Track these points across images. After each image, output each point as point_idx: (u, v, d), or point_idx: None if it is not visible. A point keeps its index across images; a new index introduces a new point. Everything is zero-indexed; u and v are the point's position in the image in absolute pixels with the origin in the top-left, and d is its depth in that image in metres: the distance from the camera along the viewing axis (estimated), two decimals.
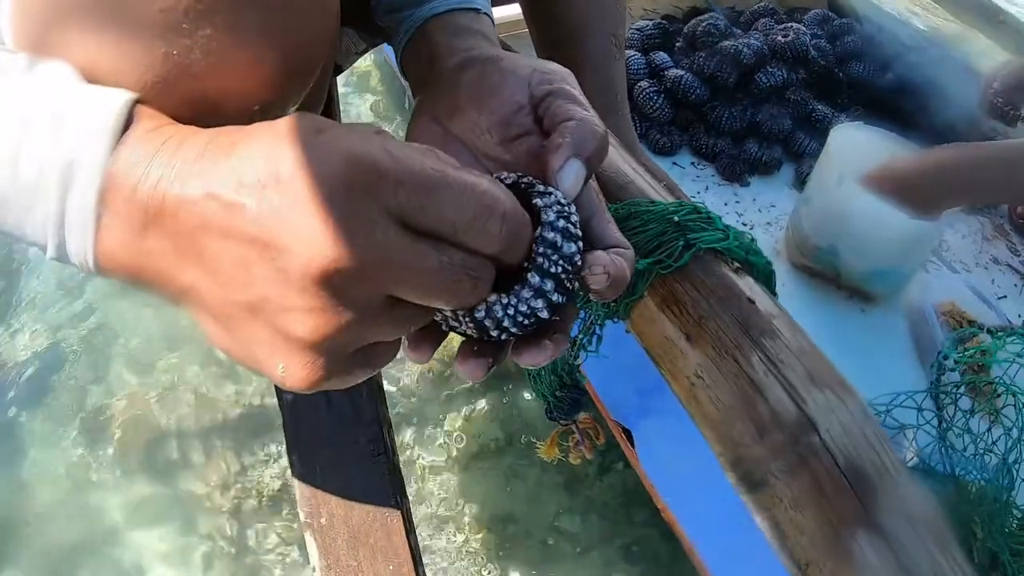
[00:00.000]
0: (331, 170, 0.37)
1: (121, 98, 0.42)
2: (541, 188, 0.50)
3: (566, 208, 0.49)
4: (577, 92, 0.57)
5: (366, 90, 2.38)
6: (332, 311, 0.39)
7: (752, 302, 0.64)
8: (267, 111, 0.51)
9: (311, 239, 0.37)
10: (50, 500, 1.44)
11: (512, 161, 0.57)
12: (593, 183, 0.56)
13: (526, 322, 0.47)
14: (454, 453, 1.52)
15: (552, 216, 0.47)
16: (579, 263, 0.48)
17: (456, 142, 0.59)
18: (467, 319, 0.46)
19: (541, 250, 0.46)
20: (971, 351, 0.83)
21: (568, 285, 0.47)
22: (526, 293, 0.46)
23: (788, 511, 0.58)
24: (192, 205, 0.39)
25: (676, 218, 0.67)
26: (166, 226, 0.40)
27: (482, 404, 1.59)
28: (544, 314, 0.47)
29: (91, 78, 0.45)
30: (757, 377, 0.60)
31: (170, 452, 1.51)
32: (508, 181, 0.51)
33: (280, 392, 1.09)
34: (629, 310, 0.69)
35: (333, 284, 0.38)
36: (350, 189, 0.37)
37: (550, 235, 0.46)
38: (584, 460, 1.20)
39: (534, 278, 0.46)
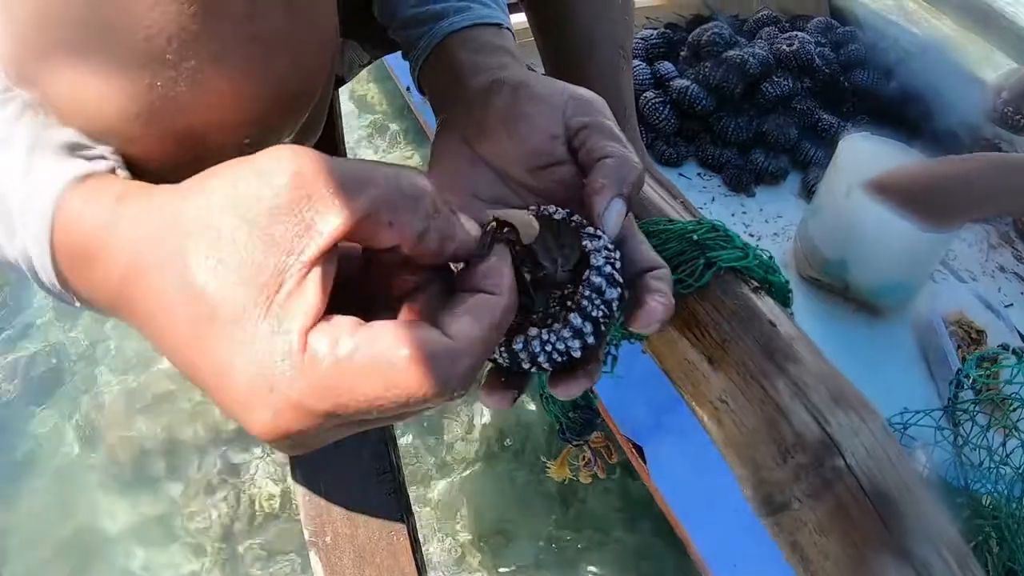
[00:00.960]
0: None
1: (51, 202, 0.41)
2: (591, 231, 0.50)
3: (613, 254, 0.49)
4: (613, 124, 0.56)
5: (365, 108, 2.38)
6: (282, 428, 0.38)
7: (773, 324, 0.64)
8: (258, 143, 0.50)
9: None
10: (42, 509, 1.44)
11: (540, 188, 0.57)
12: None
13: (560, 359, 0.47)
14: (454, 461, 1.52)
15: (600, 261, 0.48)
16: (617, 309, 0.48)
17: (483, 164, 0.58)
18: (502, 349, 0.47)
19: (587, 293, 0.47)
20: (991, 370, 0.83)
21: (604, 329, 0.48)
22: (566, 333, 0.46)
23: (812, 535, 0.57)
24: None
25: (695, 236, 0.67)
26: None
27: (482, 412, 1.59)
28: (578, 353, 0.47)
29: (77, 107, 0.44)
30: (783, 401, 0.59)
31: (165, 464, 1.51)
32: (558, 217, 0.52)
33: None
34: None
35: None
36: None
37: (596, 280, 0.47)
38: (594, 478, 1.19)
39: (576, 319, 0.46)
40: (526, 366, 0.47)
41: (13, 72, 0.45)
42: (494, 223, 0.46)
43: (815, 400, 0.59)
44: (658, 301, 0.50)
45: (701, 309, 0.65)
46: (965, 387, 0.87)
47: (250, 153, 0.41)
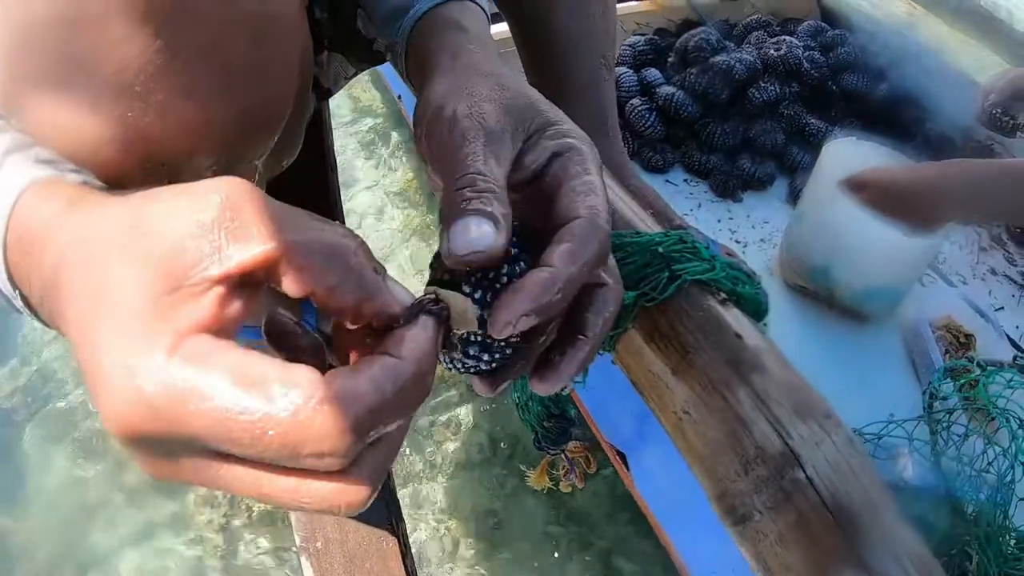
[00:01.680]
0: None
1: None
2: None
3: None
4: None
5: (365, 113, 2.39)
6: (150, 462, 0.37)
7: (739, 336, 0.64)
8: (228, 168, 0.51)
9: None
10: (42, 518, 1.44)
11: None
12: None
13: (487, 367, 0.49)
14: (444, 464, 1.52)
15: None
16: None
17: None
18: (447, 360, 0.48)
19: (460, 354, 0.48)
20: (963, 380, 0.83)
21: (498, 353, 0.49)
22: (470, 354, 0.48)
23: (774, 546, 0.57)
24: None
25: (661, 249, 0.67)
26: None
27: (467, 414, 1.59)
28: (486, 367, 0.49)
29: (54, 133, 0.45)
30: (743, 412, 0.60)
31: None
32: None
33: None
34: (615, 343, 0.69)
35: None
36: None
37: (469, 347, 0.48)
38: (574, 488, 1.20)
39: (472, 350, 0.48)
40: (471, 369, 0.49)
41: (1, 99, 0.46)
42: (432, 296, 0.44)
43: (777, 412, 0.60)
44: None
45: (665, 321, 0.65)
46: (938, 397, 0.87)
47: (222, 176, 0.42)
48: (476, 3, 0.68)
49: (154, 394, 0.33)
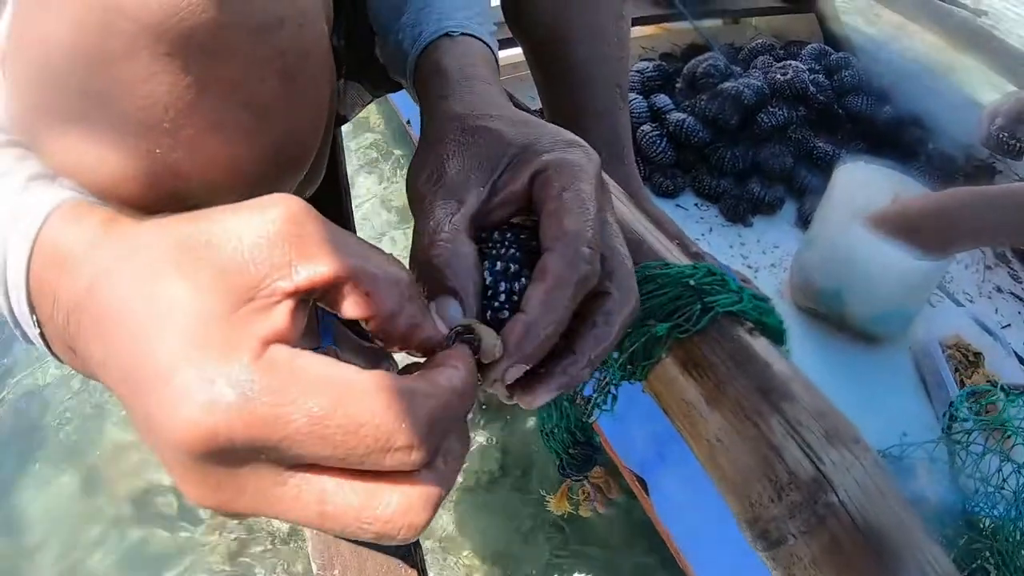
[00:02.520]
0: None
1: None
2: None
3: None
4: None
5: (366, 128, 2.40)
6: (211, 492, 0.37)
7: (769, 365, 0.66)
8: None
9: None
10: (45, 551, 1.44)
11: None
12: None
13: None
14: (458, 490, 1.52)
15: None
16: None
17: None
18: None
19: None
20: (985, 402, 0.85)
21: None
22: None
23: (808, 569, 0.59)
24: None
25: (692, 282, 0.69)
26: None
27: (480, 437, 1.60)
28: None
29: (76, 169, 0.46)
30: (775, 439, 0.61)
31: (169, 499, 1.51)
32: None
33: None
34: (647, 373, 0.71)
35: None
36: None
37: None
38: (594, 512, 1.21)
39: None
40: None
41: (18, 133, 0.47)
42: (465, 325, 0.46)
43: (808, 438, 0.61)
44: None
45: (699, 352, 0.67)
46: (958, 418, 0.89)
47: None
48: (471, 35, 0.68)
49: (240, 400, 0.33)
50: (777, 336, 0.73)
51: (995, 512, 0.90)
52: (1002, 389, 0.86)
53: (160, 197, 0.48)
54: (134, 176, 0.46)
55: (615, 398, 0.77)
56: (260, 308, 0.36)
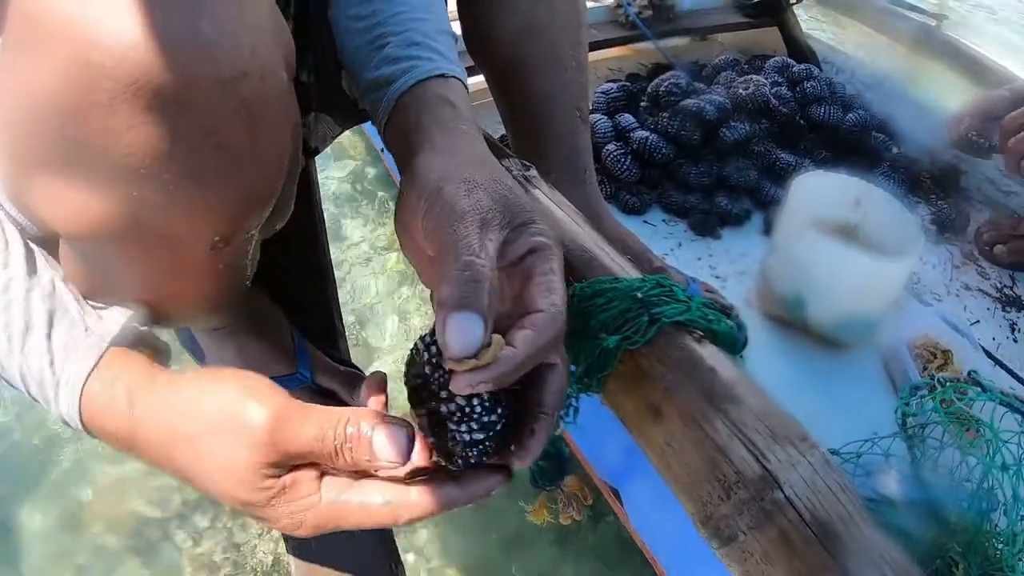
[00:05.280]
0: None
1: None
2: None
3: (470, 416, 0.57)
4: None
5: (345, 157, 2.42)
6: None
7: (714, 370, 0.69)
8: (228, 238, 0.56)
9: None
10: None
11: None
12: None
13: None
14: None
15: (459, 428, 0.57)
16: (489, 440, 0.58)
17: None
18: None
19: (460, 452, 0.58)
20: (939, 396, 0.87)
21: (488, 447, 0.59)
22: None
23: (760, 564, 0.62)
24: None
25: (640, 295, 0.72)
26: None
27: None
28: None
29: (59, 214, 0.50)
30: (722, 441, 0.64)
31: (155, 531, 1.51)
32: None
33: None
34: (602, 385, 0.73)
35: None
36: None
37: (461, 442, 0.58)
38: (573, 520, 1.23)
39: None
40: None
41: (7, 181, 0.51)
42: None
43: (753, 438, 0.64)
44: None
45: (646, 362, 0.70)
46: (909, 414, 0.91)
47: (221, 249, 0.52)
48: (458, 78, 0.72)
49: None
50: (728, 342, 0.75)
51: (960, 504, 0.91)
52: (938, 382, 0.88)
53: (139, 236, 0.53)
54: (115, 220, 0.51)
55: (577, 410, 0.79)
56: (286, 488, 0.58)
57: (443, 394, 0.56)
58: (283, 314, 1.12)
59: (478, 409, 0.56)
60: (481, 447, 0.58)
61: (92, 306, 0.62)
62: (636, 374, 0.70)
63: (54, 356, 0.58)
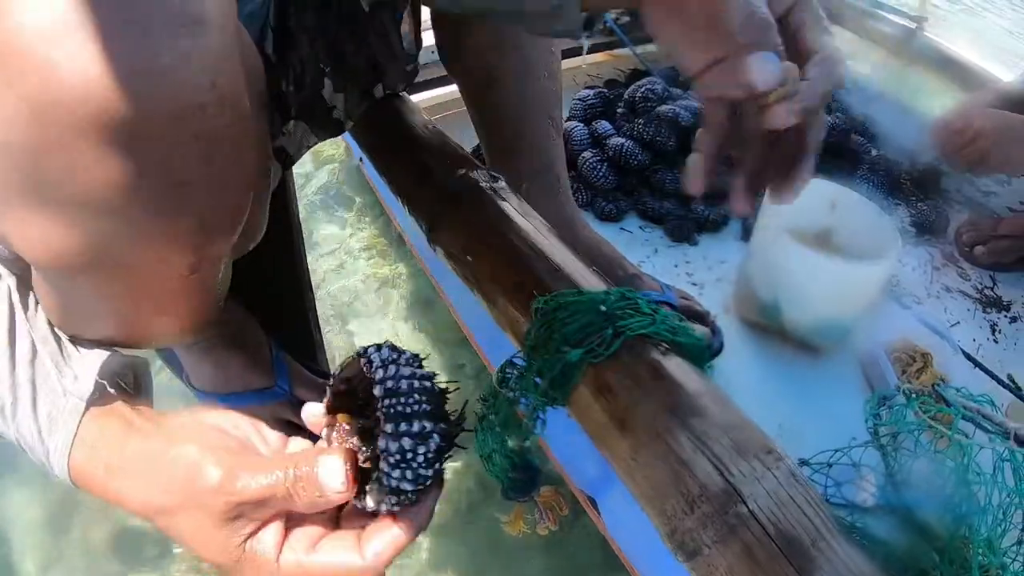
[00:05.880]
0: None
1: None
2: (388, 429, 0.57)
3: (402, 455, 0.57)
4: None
5: (324, 165, 2.41)
6: None
7: (679, 383, 0.68)
8: (199, 263, 0.56)
9: None
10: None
11: None
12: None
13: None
14: (440, 514, 1.51)
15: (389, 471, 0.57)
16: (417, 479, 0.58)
17: None
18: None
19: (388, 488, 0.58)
20: (897, 407, 0.87)
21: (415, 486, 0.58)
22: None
23: None
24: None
25: (604, 307, 0.71)
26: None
27: (466, 462, 1.59)
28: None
29: (27, 244, 0.50)
30: (685, 455, 0.64)
31: (150, 531, 1.50)
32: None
33: None
34: (567, 398, 0.73)
35: None
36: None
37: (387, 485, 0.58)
38: (550, 531, 1.22)
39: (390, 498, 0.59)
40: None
41: None
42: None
43: (717, 451, 0.64)
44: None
45: (610, 375, 0.70)
46: (880, 423, 0.91)
47: (189, 276, 0.54)
48: None
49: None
50: (695, 353, 0.75)
51: (934, 509, 0.91)
52: (904, 393, 0.88)
53: (107, 268, 0.53)
54: (81, 252, 0.50)
55: (544, 422, 0.78)
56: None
57: (388, 427, 0.55)
58: (260, 326, 1.12)
59: (420, 459, 0.56)
60: (400, 498, 0.58)
61: (74, 344, 0.67)
62: (600, 388, 0.70)
63: (41, 426, 0.63)
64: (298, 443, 0.68)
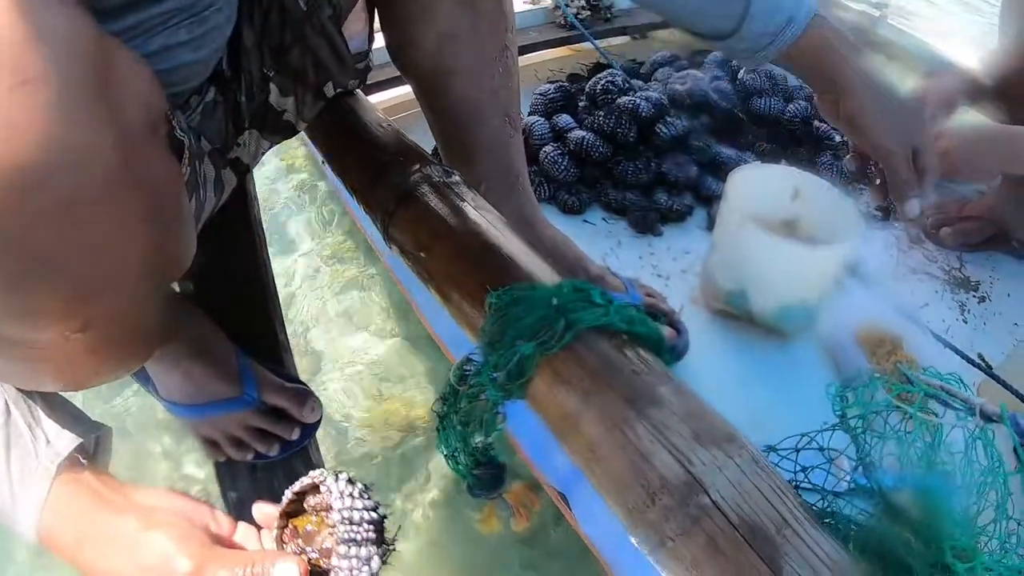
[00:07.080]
0: None
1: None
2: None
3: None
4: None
5: (290, 171, 2.39)
6: None
7: (636, 373, 0.67)
8: (86, 327, 0.52)
9: None
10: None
11: None
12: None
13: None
14: (416, 517, 1.50)
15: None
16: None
17: None
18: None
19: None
20: (857, 391, 0.86)
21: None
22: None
23: (690, 570, 0.60)
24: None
25: (556, 301, 0.70)
26: None
27: (438, 463, 1.57)
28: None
29: None
30: (644, 446, 0.62)
31: None
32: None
33: (224, 490, 1.13)
34: (523, 391, 0.72)
35: None
36: None
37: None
38: (529, 524, 1.21)
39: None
40: None
41: None
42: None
43: (676, 441, 0.62)
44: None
45: (564, 368, 0.68)
46: (847, 407, 0.90)
47: (87, 335, 0.51)
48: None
49: None
50: (653, 343, 0.73)
51: (907, 492, 0.90)
52: (868, 376, 0.87)
53: (55, 290, 0.49)
54: (35, 312, 0.48)
55: (504, 416, 0.77)
56: None
57: (341, 549, 0.63)
58: (225, 335, 1.12)
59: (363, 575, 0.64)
60: None
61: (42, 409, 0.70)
62: (556, 380, 0.69)
63: (13, 483, 0.66)
64: (243, 529, 0.73)
